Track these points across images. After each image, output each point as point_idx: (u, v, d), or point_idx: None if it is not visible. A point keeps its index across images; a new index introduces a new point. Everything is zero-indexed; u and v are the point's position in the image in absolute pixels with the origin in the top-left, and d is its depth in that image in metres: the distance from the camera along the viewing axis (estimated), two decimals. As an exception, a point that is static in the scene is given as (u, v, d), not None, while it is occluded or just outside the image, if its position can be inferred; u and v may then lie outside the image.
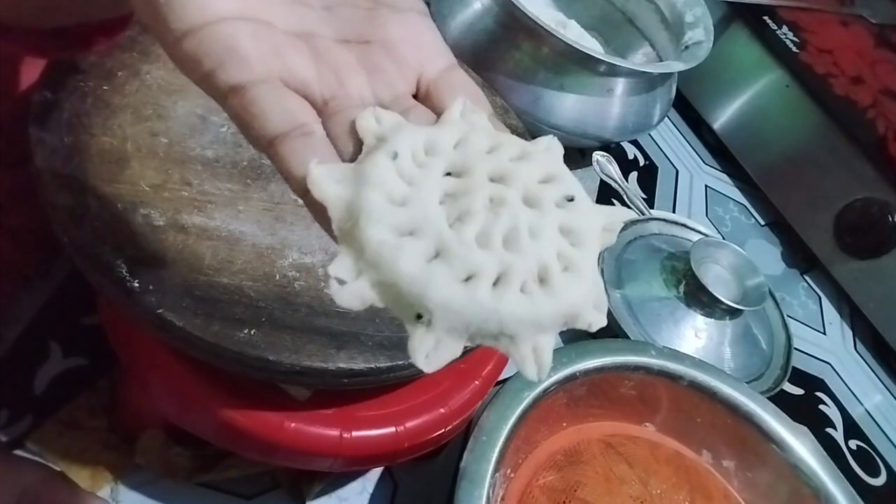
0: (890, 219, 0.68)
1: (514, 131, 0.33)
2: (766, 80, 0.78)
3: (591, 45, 0.71)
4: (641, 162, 0.79)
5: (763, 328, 0.63)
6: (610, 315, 0.37)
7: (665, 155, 0.81)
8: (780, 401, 0.51)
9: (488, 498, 0.36)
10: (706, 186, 0.81)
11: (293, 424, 0.34)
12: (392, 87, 0.23)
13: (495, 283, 0.19)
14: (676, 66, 0.63)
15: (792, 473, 0.46)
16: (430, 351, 0.19)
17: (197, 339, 0.31)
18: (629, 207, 0.69)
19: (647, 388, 0.46)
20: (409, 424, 0.37)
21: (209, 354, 0.31)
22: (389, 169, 0.20)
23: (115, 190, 0.33)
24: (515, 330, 0.19)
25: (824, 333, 0.73)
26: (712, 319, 0.60)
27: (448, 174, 0.21)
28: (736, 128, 0.81)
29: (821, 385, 0.68)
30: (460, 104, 0.23)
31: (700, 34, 0.67)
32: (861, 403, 0.69)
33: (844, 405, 0.67)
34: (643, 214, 0.68)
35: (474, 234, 0.20)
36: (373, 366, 0.33)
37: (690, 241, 0.65)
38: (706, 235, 0.67)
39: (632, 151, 0.79)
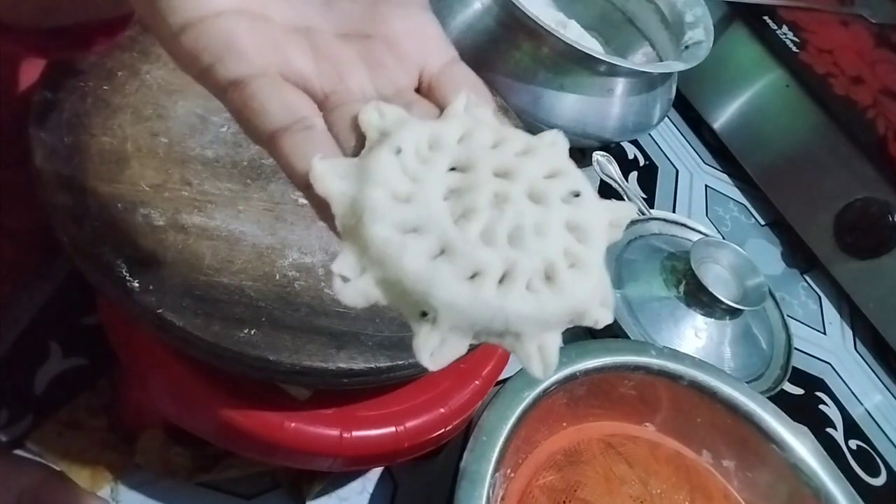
0: (890, 219, 0.68)
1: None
2: (766, 80, 0.78)
3: (591, 45, 0.71)
4: (641, 162, 0.79)
5: (763, 328, 0.63)
6: (610, 315, 0.37)
7: (665, 155, 0.81)
8: (780, 401, 0.51)
9: (488, 498, 0.36)
10: (706, 186, 0.81)
11: (293, 424, 0.34)
12: (393, 82, 0.23)
13: (501, 281, 0.19)
14: (676, 66, 0.63)
15: (792, 473, 0.46)
16: (435, 349, 0.19)
17: (197, 339, 0.31)
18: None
19: (647, 388, 0.46)
20: (409, 424, 0.37)
21: (209, 354, 0.31)
22: (393, 165, 0.20)
23: (115, 190, 0.33)
24: (521, 328, 0.19)
25: (824, 333, 0.73)
26: (712, 319, 0.60)
27: (452, 169, 0.21)
28: (736, 128, 0.81)
29: (821, 385, 0.68)
30: (464, 98, 0.22)
31: (700, 34, 0.67)
32: (861, 403, 0.69)
33: (844, 405, 0.67)
34: (643, 214, 0.68)
35: (479, 230, 0.19)
36: (373, 366, 0.33)
37: (690, 240, 0.65)
38: (706, 235, 0.67)
39: (632, 151, 0.79)
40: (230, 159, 0.37)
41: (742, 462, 0.47)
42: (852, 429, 0.66)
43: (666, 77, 0.67)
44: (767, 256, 0.78)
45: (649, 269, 0.61)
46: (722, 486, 0.47)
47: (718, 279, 0.60)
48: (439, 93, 0.23)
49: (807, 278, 0.77)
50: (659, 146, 0.82)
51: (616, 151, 0.75)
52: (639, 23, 0.75)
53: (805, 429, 0.47)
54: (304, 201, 0.37)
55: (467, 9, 0.62)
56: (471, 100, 0.22)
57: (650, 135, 0.82)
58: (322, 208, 0.20)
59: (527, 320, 0.19)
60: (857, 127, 0.71)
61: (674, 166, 0.81)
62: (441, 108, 0.23)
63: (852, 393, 0.69)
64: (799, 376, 0.66)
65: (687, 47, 0.67)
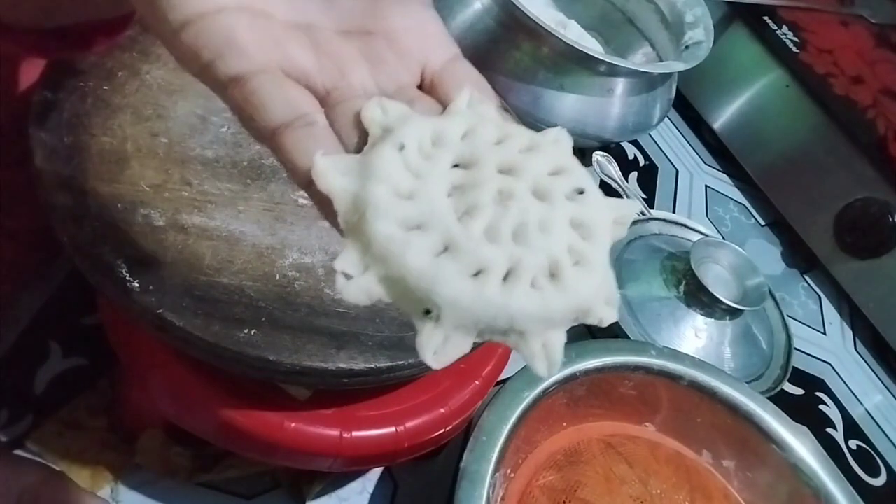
0: (890, 219, 0.68)
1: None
2: (766, 80, 0.78)
3: (591, 45, 0.71)
4: (641, 162, 0.79)
5: (763, 328, 0.63)
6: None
7: (665, 155, 0.81)
8: (780, 401, 0.51)
9: (488, 498, 0.36)
10: (706, 186, 0.81)
11: (293, 424, 0.34)
12: (396, 78, 0.23)
13: (505, 278, 0.19)
14: (676, 66, 0.63)
15: (792, 473, 0.46)
16: (439, 347, 0.19)
17: (197, 339, 0.31)
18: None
19: (647, 388, 0.46)
20: (409, 424, 0.37)
21: (209, 354, 0.31)
22: (396, 161, 0.19)
23: (115, 190, 0.33)
24: (525, 326, 0.19)
25: (824, 333, 0.73)
26: (712, 319, 0.60)
27: (456, 166, 0.20)
28: (736, 128, 0.81)
29: (821, 385, 0.68)
30: (467, 94, 0.22)
31: (700, 34, 0.67)
32: (861, 403, 0.69)
33: (844, 405, 0.67)
34: (643, 214, 0.68)
35: (483, 227, 0.19)
36: (373, 366, 0.33)
37: (690, 241, 0.65)
38: (706, 235, 0.67)
39: (632, 151, 0.79)
40: (230, 159, 0.37)
41: (742, 462, 0.47)
42: (852, 429, 0.66)
43: (666, 77, 0.67)
44: (767, 256, 0.78)
45: (649, 269, 0.61)
46: (722, 486, 0.47)
47: (718, 279, 0.60)
48: (442, 89, 0.23)
49: (807, 278, 0.77)
50: (659, 146, 0.82)
51: (616, 151, 0.75)
52: (639, 23, 0.75)
53: (805, 429, 0.47)
54: (305, 201, 0.37)
55: (467, 9, 0.62)
56: (474, 96, 0.22)
57: (650, 135, 0.82)
58: (324, 205, 0.20)
59: (531, 318, 0.19)
60: (857, 127, 0.71)
61: (674, 166, 0.81)
62: (444, 105, 0.22)
63: (852, 393, 0.69)
64: (799, 376, 0.66)
65: (687, 47, 0.67)
